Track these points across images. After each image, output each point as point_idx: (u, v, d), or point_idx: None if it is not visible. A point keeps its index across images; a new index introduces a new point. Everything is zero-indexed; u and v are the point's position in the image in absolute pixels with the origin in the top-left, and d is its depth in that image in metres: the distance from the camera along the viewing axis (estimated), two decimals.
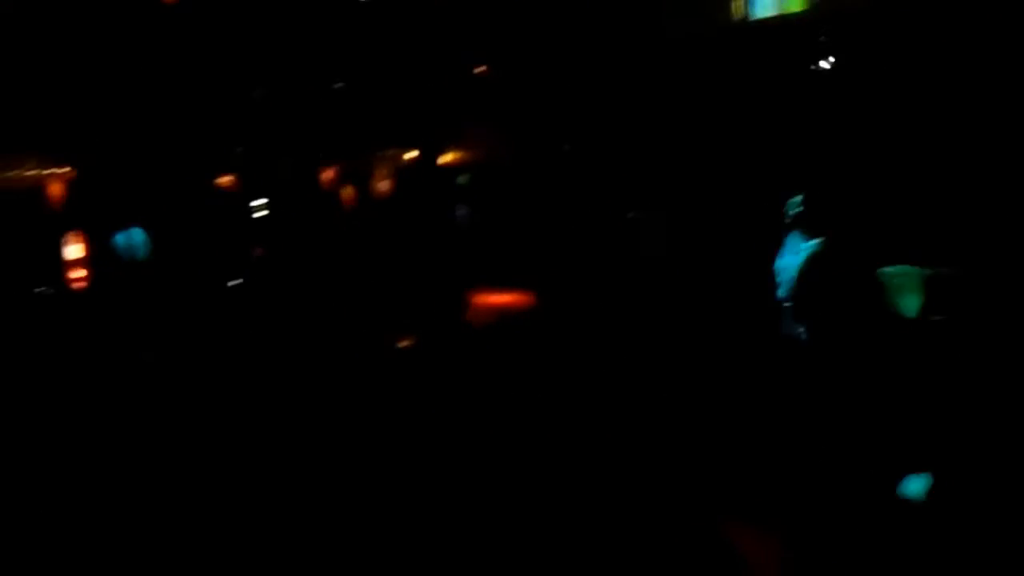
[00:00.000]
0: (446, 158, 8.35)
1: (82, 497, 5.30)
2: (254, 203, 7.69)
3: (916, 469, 4.81)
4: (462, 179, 9.60)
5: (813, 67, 9.93)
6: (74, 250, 6.96)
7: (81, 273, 6.75)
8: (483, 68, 9.41)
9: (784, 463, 6.78)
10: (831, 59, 9.73)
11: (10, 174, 5.89)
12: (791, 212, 6.13)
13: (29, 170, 5.97)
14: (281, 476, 5.63)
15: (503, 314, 7.32)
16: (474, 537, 5.89)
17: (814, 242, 5.33)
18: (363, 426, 5.99)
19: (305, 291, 7.71)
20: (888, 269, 4.62)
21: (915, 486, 4.52)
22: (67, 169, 6.02)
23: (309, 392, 5.99)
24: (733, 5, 10.40)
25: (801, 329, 5.36)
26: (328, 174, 8.20)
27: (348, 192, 8.74)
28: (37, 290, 6.28)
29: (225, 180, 7.01)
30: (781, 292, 6.21)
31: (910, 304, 4.64)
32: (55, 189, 6.53)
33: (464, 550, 5.77)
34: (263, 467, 5.61)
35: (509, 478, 6.35)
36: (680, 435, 7.57)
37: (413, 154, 8.09)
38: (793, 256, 5.89)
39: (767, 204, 9.53)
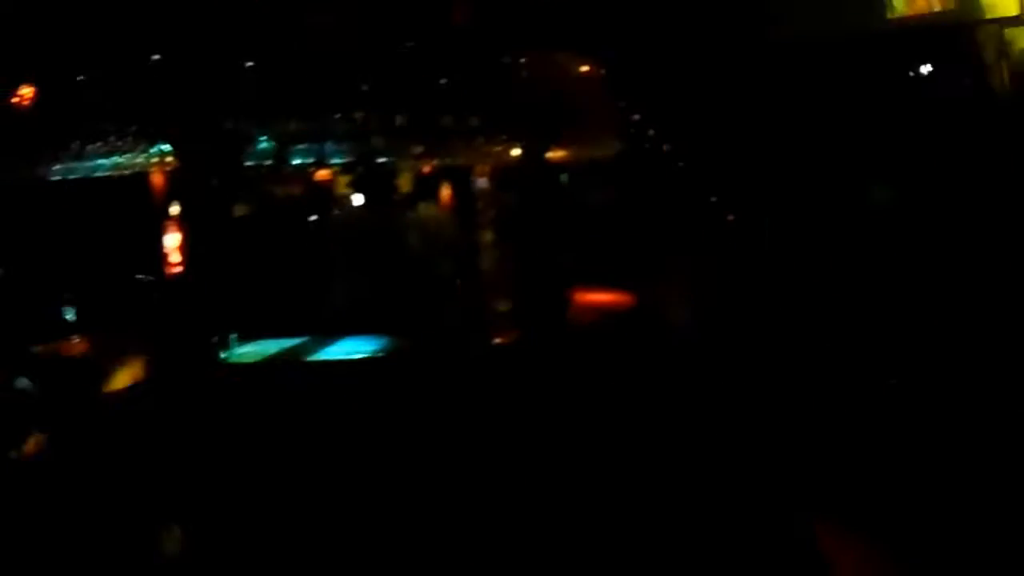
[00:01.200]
0: (548, 156, 8.32)
1: None
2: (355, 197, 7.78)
3: None
4: (563, 178, 9.60)
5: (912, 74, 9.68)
6: (173, 239, 7.13)
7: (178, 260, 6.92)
8: (586, 67, 9.37)
9: (877, 468, 6.57)
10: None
11: (118, 162, 6.08)
12: None
13: (137, 158, 6.15)
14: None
15: (605, 313, 7.28)
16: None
17: None
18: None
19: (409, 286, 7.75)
20: None
21: None
22: (170, 159, 6.18)
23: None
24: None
25: None
26: (425, 169, 8.26)
27: (446, 190, 8.79)
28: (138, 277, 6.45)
29: (323, 174, 7.10)
30: None
31: None
32: (157, 179, 6.71)
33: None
34: None
35: (609, 477, 6.33)
36: (776, 435, 7.41)
37: (516, 151, 8.08)
38: None
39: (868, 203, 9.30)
